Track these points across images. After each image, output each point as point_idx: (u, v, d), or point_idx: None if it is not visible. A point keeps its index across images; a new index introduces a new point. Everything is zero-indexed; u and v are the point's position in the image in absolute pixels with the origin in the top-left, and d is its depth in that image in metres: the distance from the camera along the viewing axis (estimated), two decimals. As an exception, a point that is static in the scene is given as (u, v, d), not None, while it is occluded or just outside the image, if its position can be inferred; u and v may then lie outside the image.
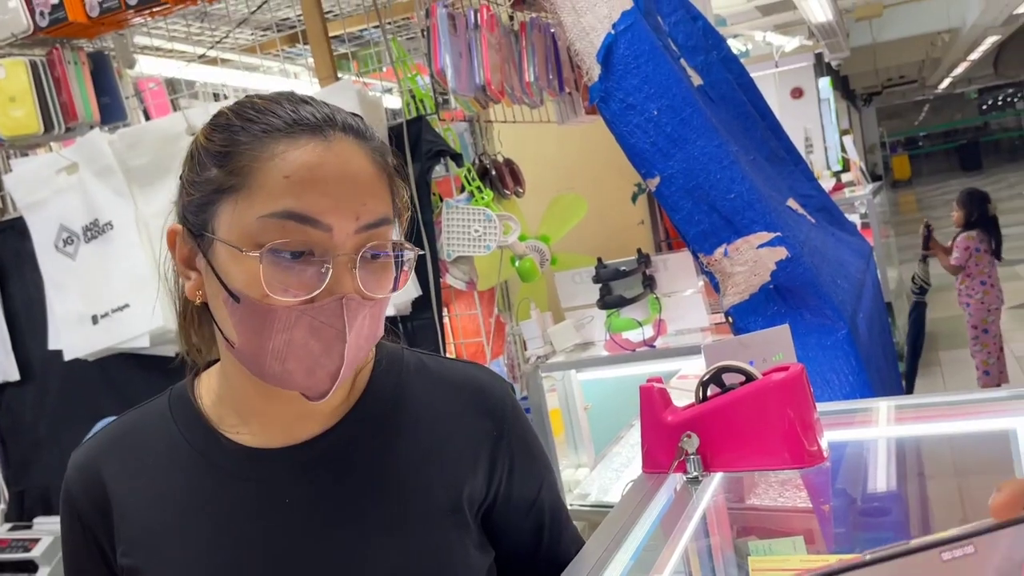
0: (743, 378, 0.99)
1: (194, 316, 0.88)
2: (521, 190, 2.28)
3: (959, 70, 16.77)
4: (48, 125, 2.07)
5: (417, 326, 1.93)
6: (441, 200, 2.00)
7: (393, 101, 3.17)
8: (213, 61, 2.70)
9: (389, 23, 2.17)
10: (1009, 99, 26.71)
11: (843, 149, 7.78)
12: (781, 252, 1.62)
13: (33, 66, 2.05)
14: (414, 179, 1.88)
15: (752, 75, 2.35)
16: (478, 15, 1.90)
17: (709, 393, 1.01)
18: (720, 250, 1.65)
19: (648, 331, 2.19)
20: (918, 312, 4.80)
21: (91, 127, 2.10)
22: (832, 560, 0.94)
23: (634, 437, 2.38)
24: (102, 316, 1.97)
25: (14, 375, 2.22)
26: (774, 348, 1.09)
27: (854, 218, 5.14)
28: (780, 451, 0.97)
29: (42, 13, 1.95)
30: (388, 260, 0.76)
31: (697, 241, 1.68)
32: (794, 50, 7.61)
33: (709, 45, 2.15)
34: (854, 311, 1.80)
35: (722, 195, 1.62)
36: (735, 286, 1.65)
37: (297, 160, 0.72)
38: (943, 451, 1.18)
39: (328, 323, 0.72)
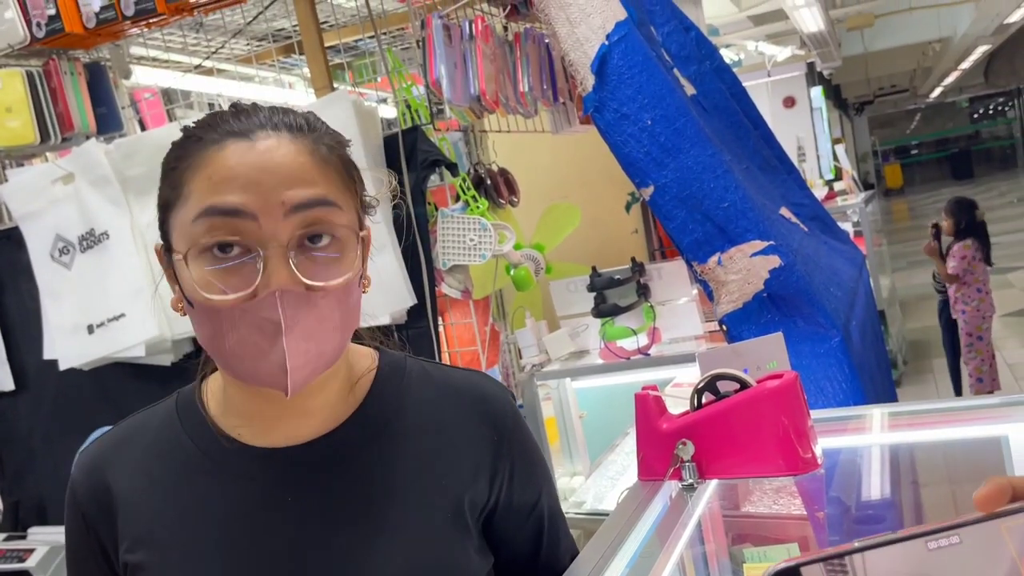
0: (737, 386, 1.00)
1: None
2: (516, 199, 2.29)
3: (950, 79, 16.88)
4: (44, 135, 2.08)
5: (412, 335, 1.93)
6: (436, 209, 2.00)
7: (388, 111, 3.18)
8: (209, 71, 2.71)
9: (384, 33, 2.18)
10: (1000, 108, 26.86)
11: (835, 158, 7.82)
12: (774, 260, 1.63)
13: (29, 76, 2.05)
14: (409, 189, 1.89)
15: (744, 84, 2.37)
16: (473, 26, 1.91)
17: (704, 401, 1.02)
18: (714, 259, 1.67)
19: (643, 339, 2.20)
20: (946, 312, 4.85)
21: (87, 137, 2.10)
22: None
23: (629, 445, 2.38)
24: (97, 326, 1.97)
25: (9, 385, 2.21)
26: (768, 356, 1.10)
27: (847, 226, 5.16)
28: (774, 458, 0.97)
29: (39, 24, 1.96)
30: (334, 245, 0.76)
31: (691, 250, 1.69)
32: (786, 60, 7.66)
33: (702, 55, 2.17)
34: (847, 319, 1.81)
35: (715, 204, 1.63)
36: (729, 294, 1.66)
37: (219, 161, 0.75)
38: (935, 458, 1.19)
39: (267, 317, 0.72)
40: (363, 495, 0.83)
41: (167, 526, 0.82)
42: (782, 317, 1.67)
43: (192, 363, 0.92)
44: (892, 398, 2.48)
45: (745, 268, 1.64)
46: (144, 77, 2.62)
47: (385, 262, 1.85)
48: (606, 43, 1.64)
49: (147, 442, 0.87)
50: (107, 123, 2.18)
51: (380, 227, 1.85)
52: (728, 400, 1.00)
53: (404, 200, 1.89)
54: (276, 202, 0.73)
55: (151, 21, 1.95)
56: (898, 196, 22.92)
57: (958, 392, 4.94)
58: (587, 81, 1.65)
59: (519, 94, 2.07)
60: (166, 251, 0.79)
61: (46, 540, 2.04)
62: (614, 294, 2.23)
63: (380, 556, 0.81)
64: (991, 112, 27.29)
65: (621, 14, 1.70)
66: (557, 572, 0.91)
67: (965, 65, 13.96)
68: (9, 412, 2.26)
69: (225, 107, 0.82)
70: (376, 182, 0.92)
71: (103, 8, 1.92)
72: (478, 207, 2.02)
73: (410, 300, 1.88)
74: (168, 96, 2.76)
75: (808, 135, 8.04)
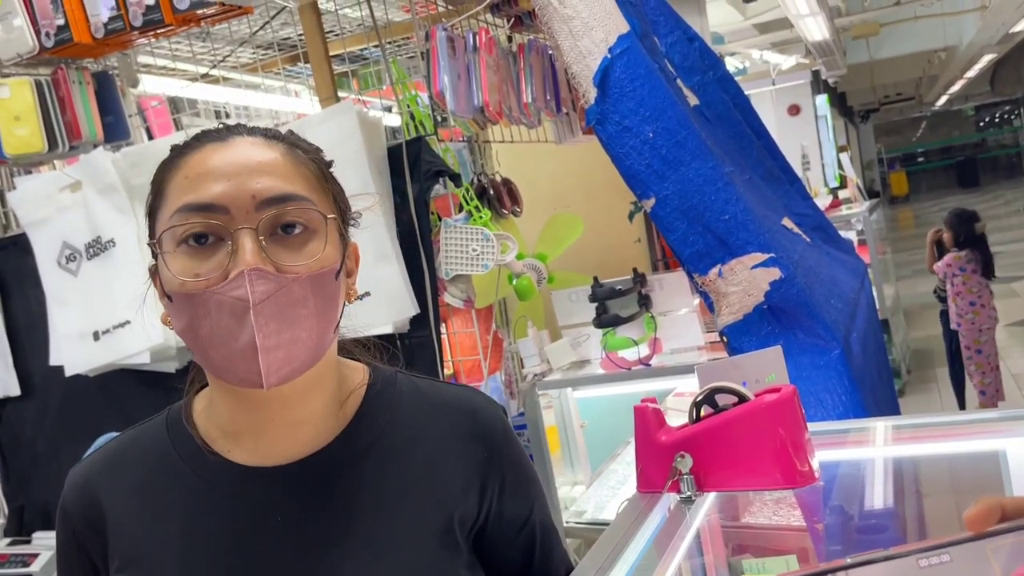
0: (736, 399, 1.01)
1: None
2: (519, 209, 2.30)
3: (956, 87, 16.86)
4: (52, 143, 2.10)
5: (415, 343, 1.95)
6: (439, 219, 2.02)
7: (392, 120, 3.20)
8: (215, 80, 2.73)
9: (389, 43, 2.19)
10: (1006, 116, 26.83)
11: (840, 166, 7.82)
12: (775, 273, 1.64)
13: (38, 85, 2.07)
14: (413, 198, 1.90)
15: (749, 92, 2.38)
16: (477, 37, 1.93)
17: (702, 414, 1.03)
18: (715, 270, 1.67)
19: (644, 350, 2.21)
20: (945, 321, 4.85)
21: (95, 146, 2.12)
22: None
23: (630, 455, 2.38)
24: (103, 332, 1.99)
25: (15, 390, 2.23)
26: (767, 369, 1.11)
27: (851, 235, 5.16)
28: (772, 471, 0.98)
29: (48, 34, 1.98)
30: (307, 234, 0.77)
31: (692, 261, 1.69)
32: (791, 68, 7.66)
33: (705, 65, 2.18)
34: (847, 331, 1.82)
35: (716, 216, 1.64)
36: (729, 306, 1.66)
37: (194, 160, 0.78)
38: (933, 471, 1.19)
39: (237, 296, 0.73)
40: (352, 514, 0.83)
41: (157, 545, 0.82)
42: (782, 329, 1.68)
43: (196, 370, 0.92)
44: (894, 410, 2.48)
45: (746, 280, 1.64)
46: (151, 86, 2.65)
47: (388, 271, 1.86)
48: (608, 56, 1.65)
49: (138, 460, 0.87)
50: (114, 132, 2.19)
51: (383, 236, 1.86)
52: (726, 413, 1.00)
53: (407, 210, 1.90)
54: (247, 195, 0.75)
55: (159, 31, 1.97)
56: (903, 204, 22.89)
57: (961, 402, 4.93)
58: (589, 94, 1.66)
59: (523, 105, 2.09)
60: (153, 256, 0.81)
61: (50, 545, 2.05)
62: (616, 304, 2.24)
63: (368, 573, 0.81)
64: (997, 120, 27.26)
65: (624, 27, 1.71)
66: None
67: (971, 74, 13.94)
68: (15, 417, 2.27)
69: (231, 115, 0.85)
70: (363, 201, 0.93)
71: (111, 18, 1.94)
72: (481, 217, 2.03)
73: (413, 309, 1.89)
74: (175, 104, 2.78)
75: (813, 143, 8.03)
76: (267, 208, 0.75)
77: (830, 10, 6.05)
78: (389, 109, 3.23)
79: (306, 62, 2.22)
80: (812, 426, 1.04)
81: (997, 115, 27.04)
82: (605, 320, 2.23)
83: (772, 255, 1.65)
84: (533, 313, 2.43)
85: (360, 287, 1.94)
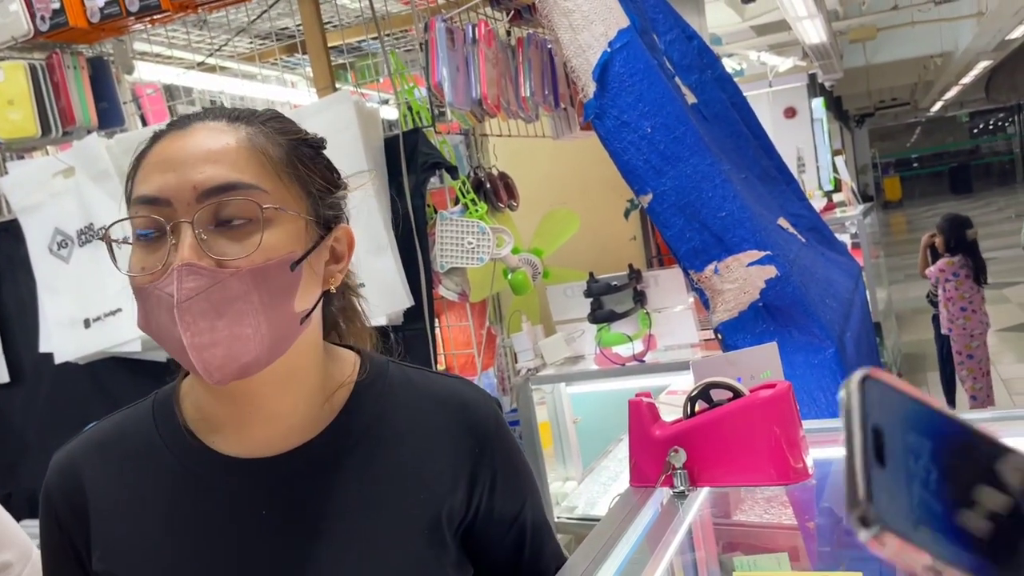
0: (731, 394, 1.01)
1: None
2: (515, 204, 2.30)
3: (951, 93, 16.93)
4: (46, 129, 2.08)
5: (409, 336, 1.94)
6: (435, 212, 2.01)
7: (390, 112, 3.19)
8: (211, 68, 2.71)
9: (388, 35, 2.18)
10: (1000, 123, 26.94)
11: (835, 169, 7.84)
12: (770, 271, 1.64)
13: (32, 70, 2.06)
14: (409, 190, 1.89)
15: (746, 94, 2.38)
16: (476, 30, 1.92)
17: (697, 409, 1.03)
18: (710, 267, 1.67)
19: (638, 346, 2.21)
20: (937, 326, 4.88)
21: (89, 132, 2.10)
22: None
23: (622, 451, 2.39)
24: (94, 320, 1.98)
25: (4, 377, 2.22)
26: (762, 365, 1.11)
27: (844, 238, 5.17)
28: (766, 467, 0.98)
29: (43, 18, 1.96)
30: (251, 226, 0.74)
31: (688, 258, 1.69)
32: (788, 70, 7.68)
33: (704, 64, 2.18)
34: (842, 330, 1.82)
35: (713, 213, 1.64)
36: (724, 303, 1.66)
37: (153, 151, 0.77)
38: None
39: (168, 292, 0.72)
40: (339, 508, 0.81)
41: (139, 535, 0.81)
42: (777, 327, 1.68)
43: None
44: (885, 410, 2.48)
45: (741, 277, 1.64)
46: (147, 73, 2.63)
47: (383, 263, 1.85)
48: (608, 50, 1.65)
49: (123, 446, 0.85)
50: (109, 118, 2.18)
51: (379, 228, 1.86)
52: (721, 408, 1.00)
53: (403, 201, 1.89)
54: (188, 187, 0.73)
55: (155, 17, 1.96)
56: (897, 209, 22.98)
57: (951, 406, 4.95)
58: (588, 88, 1.66)
59: (521, 99, 2.08)
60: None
61: (38, 533, 2.03)
62: (611, 300, 2.23)
63: (352, 571, 0.79)
64: (991, 127, 27.37)
65: (624, 21, 1.71)
66: None
67: (966, 80, 14.00)
68: (4, 404, 2.26)
69: (227, 104, 0.83)
70: (356, 182, 0.90)
71: (107, 3, 1.92)
72: (477, 210, 2.03)
73: (407, 301, 1.89)
74: (170, 92, 2.76)
75: (808, 146, 8.06)
76: (208, 199, 0.73)
77: (828, 13, 6.06)
78: (386, 102, 3.22)
79: (304, 53, 2.21)
80: (806, 423, 1.04)
81: (991, 122, 27.15)
82: (600, 316, 2.23)
83: (768, 253, 1.65)
84: (528, 308, 2.43)
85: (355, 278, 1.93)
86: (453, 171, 1.98)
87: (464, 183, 2.06)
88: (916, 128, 27.84)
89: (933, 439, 0.36)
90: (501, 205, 2.22)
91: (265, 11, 2.39)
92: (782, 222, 2.07)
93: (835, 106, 13.25)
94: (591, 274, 2.28)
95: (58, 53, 2.09)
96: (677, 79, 1.98)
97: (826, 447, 1.15)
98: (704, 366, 1.09)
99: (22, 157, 2.32)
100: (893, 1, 7.84)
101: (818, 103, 8.44)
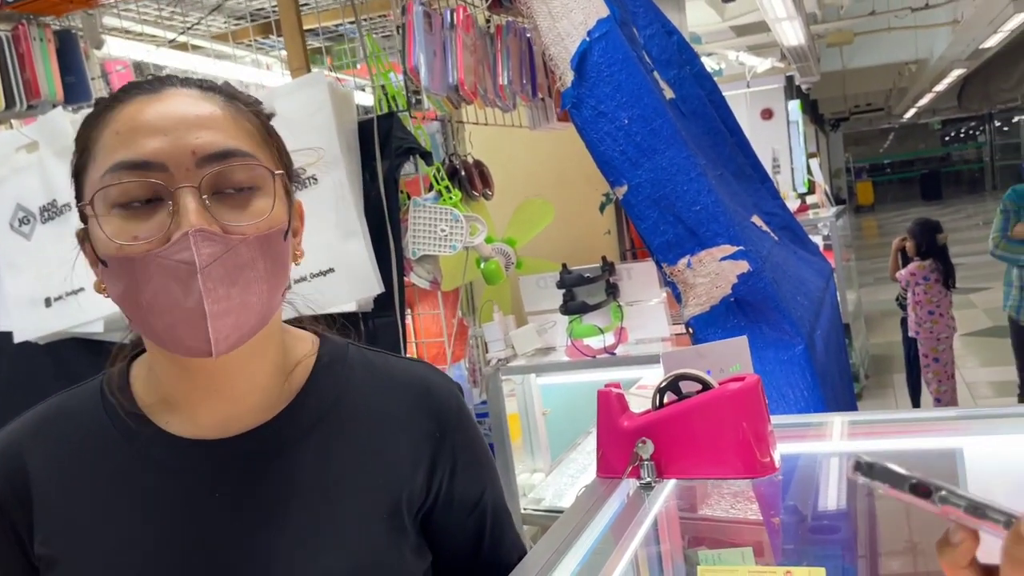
0: (700, 387, 1.00)
1: None
2: (490, 192, 2.28)
3: (924, 100, 17.16)
4: (9, 101, 2.03)
5: (379, 324, 1.91)
6: (408, 198, 1.99)
7: (366, 99, 3.15)
8: (183, 47, 2.66)
9: (365, 19, 2.15)
10: (971, 132, 27.37)
11: (809, 172, 7.91)
12: (743, 266, 1.64)
13: (-4, 40, 2.00)
14: (382, 175, 1.86)
15: (724, 94, 2.38)
16: (454, 15, 1.89)
17: (666, 400, 1.02)
18: (683, 261, 1.67)
19: (609, 338, 2.20)
20: (906, 328, 4.94)
21: (54, 106, 2.05)
22: (780, 572, 0.95)
23: (591, 444, 2.38)
24: (56, 299, 1.93)
25: (-40, 356, 2.16)
26: (732, 359, 1.10)
27: (817, 239, 5.21)
28: (733, 460, 0.97)
29: (8, -13, 1.91)
30: (251, 193, 0.73)
31: (661, 251, 1.69)
32: (766, 71, 7.72)
33: (683, 60, 2.17)
34: (812, 328, 1.83)
35: (688, 206, 1.64)
36: (696, 297, 1.66)
37: (125, 114, 0.73)
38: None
39: (181, 260, 0.69)
40: (295, 491, 0.79)
41: (84, 518, 0.78)
42: (748, 322, 1.68)
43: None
44: (852, 408, 2.51)
45: (714, 272, 1.64)
46: (117, 49, 2.57)
47: (353, 247, 1.83)
48: (587, 39, 1.64)
49: (68, 427, 0.82)
50: (76, 93, 2.13)
51: (350, 212, 1.83)
52: (689, 400, 0.99)
53: (376, 186, 1.87)
54: (186, 151, 0.71)
55: (126, -10, 1.91)
56: (868, 213, 23.29)
57: (916, 406, 5.03)
58: (566, 76, 1.65)
59: (498, 87, 2.06)
60: (82, 219, 0.76)
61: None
62: (583, 292, 2.22)
63: (307, 556, 0.77)
64: (962, 136, 27.80)
65: (604, 11, 1.70)
66: (501, 570, 0.88)
67: (940, 88, 14.19)
68: (-41, 384, 2.20)
69: None
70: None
71: (76, -26, 1.88)
72: (451, 198, 2.01)
73: (378, 288, 1.86)
74: (140, 70, 2.70)
75: (784, 147, 8.12)
76: (209, 165, 0.71)
77: (807, 16, 6.10)
78: (362, 88, 3.18)
79: (279, 34, 2.17)
80: (774, 419, 1.03)
81: (963, 130, 27.58)
82: (572, 307, 2.22)
83: (741, 248, 1.65)
84: (500, 298, 2.41)
85: (325, 263, 1.90)
86: (428, 157, 1.95)
87: (439, 170, 2.04)
88: (889, 134, 28.21)
89: None
90: (476, 193, 2.20)
91: (240, -11, 2.35)
92: (756, 219, 2.08)
93: (811, 109, 13.37)
94: (564, 265, 2.27)
95: (24, 24, 2.03)
96: (655, 73, 1.97)
97: (794, 442, 1.15)
98: (674, 358, 1.08)
99: (-16, 130, 2.26)
100: (871, 6, 7.92)
101: (795, 105, 8.51)
